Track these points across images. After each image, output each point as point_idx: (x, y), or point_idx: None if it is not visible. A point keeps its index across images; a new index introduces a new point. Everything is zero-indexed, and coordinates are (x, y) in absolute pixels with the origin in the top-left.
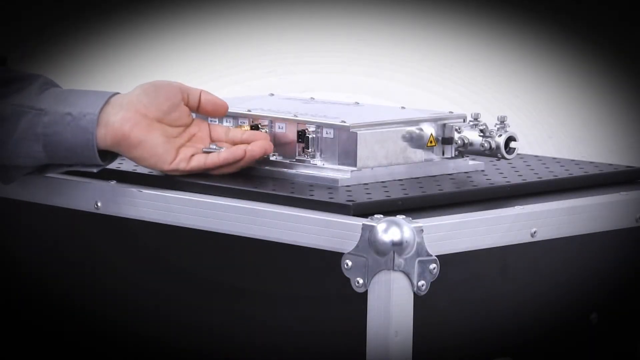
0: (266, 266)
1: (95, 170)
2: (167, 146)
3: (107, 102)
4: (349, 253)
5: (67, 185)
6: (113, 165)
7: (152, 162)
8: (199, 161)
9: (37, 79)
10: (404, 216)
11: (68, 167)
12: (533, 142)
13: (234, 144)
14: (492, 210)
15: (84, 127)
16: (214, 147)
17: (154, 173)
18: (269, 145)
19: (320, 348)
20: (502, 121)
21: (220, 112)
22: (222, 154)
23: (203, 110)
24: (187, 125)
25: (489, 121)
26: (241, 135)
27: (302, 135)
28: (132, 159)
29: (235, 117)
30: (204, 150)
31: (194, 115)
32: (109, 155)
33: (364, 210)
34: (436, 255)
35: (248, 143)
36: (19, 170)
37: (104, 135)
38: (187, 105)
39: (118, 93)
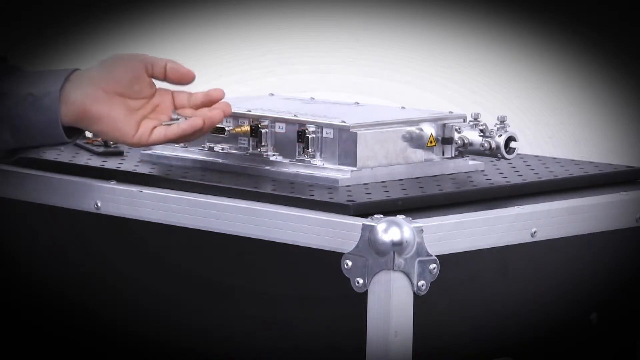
0: (266, 266)
1: (62, 148)
2: (128, 119)
3: (67, 79)
4: (349, 253)
5: (67, 185)
6: (113, 165)
7: (114, 136)
8: (159, 133)
9: None
10: (404, 216)
11: (36, 147)
12: (533, 142)
13: (197, 108)
14: (492, 210)
15: (46, 106)
16: (175, 116)
17: (154, 173)
18: (227, 108)
19: (320, 348)
20: (502, 121)
21: (186, 81)
22: (181, 125)
23: (169, 79)
24: (150, 97)
25: (489, 121)
26: (202, 99)
27: (302, 135)
28: (95, 132)
29: (235, 117)
30: (163, 123)
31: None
32: (75, 131)
33: (364, 210)
34: (436, 255)
35: (208, 105)
36: None
37: (66, 113)
38: (152, 76)
39: (78, 69)
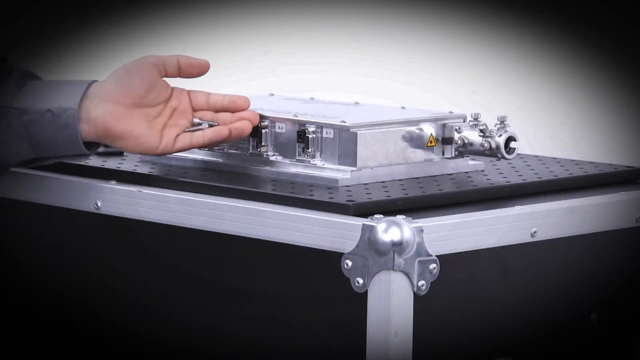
0: (266, 266)
1: (84, 160)
2: (151, 132)
3: (85, 96)
4: (349, 253)
5: (67, 185)
6: (113, 165)
7: (138, 150)
8: (184, 142)
9: (12, 72)
10: (404, 216)
11: (56, 158)
12: (533, 142)
13: (216, 111)
14: (492, 210)
15: (65, 123)
16: (197, 120)
17: (154, 173)
18: (255, 117)
19: (320, 348)
20: (502, 121)
21: (202, 72)
22: (207, 135)
23: (184, 74)
24: (167, 100)
25: (489, 121)
26: (222, 101)
27: (302, 135)
28: (118, 147)
29: None
30: (186, 130)
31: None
32: (94, 143)
33: (364, 210)
34: (436, 255)
35: (230, 111)
36: (6, 165)
37: (87, 131)
38: (165, 76)
39: (95, 81)
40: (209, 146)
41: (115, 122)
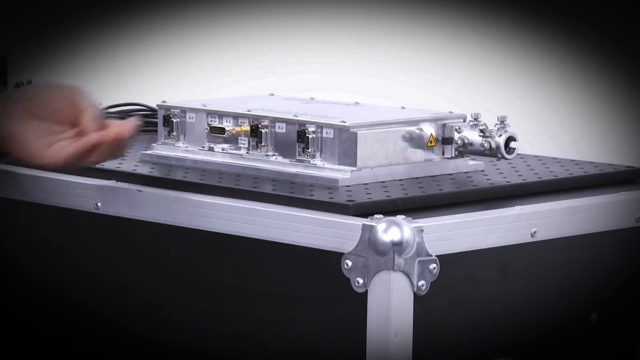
0: (266, 266)
1: None
2: (39, 142)
3: None
4: (349, 253)
5: (67, 185)
6: (113, 165)
7: (24, 157)
8: (67, 148)
9: None
10: (404, 216)
11: None
12: (533, 142)
13: None
14: (492, 210)
15: None
16: None
17: (154, 173)
18: (126, 129)
19: (320, 348)
20: (502, 121)
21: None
22: (76, 142)
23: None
24: (75, 124)
25: (489, 121)
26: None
27: (302, 135)
28: (7, 155)
29: (236, 117)
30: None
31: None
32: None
33: (364, 210)
34: (436, 255)
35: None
36: None
37: None
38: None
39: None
40: (89, 157)
41: (5, 123)
